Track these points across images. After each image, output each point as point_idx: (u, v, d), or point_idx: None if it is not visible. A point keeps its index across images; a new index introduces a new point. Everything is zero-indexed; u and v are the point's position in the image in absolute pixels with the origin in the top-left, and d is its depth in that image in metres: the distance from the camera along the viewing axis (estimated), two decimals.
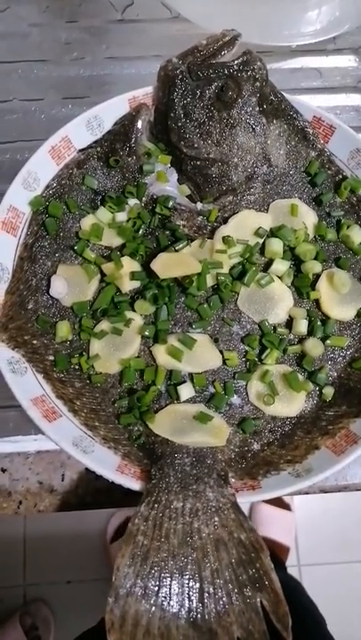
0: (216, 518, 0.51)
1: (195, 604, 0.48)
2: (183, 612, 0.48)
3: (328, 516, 1.75)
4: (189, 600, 0.48)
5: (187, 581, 0.48)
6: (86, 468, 0.62)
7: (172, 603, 0.48)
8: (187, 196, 0.65)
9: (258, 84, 0.61)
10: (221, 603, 0.48)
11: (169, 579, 0.48)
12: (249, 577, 0.48)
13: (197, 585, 0.48)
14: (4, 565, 1.68)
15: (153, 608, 0.47)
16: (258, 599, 0.47)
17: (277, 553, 1.63)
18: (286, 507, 1.72)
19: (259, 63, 0.61)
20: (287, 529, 1.70)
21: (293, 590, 1.30)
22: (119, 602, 0.47)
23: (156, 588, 0.48)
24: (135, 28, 0.79)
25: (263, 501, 1.70)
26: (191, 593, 0.48)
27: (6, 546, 1.68)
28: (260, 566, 0.49)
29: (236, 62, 0.61)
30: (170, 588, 0.48)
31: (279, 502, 1.71)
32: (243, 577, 0.48)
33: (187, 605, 0.48)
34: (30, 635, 1.56)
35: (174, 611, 0.48)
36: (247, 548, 0.49)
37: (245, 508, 1.72)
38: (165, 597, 0.48)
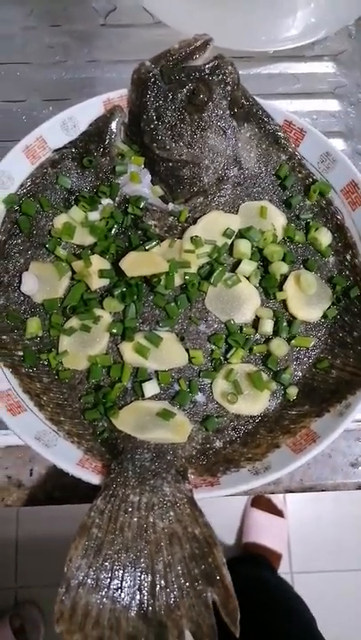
0: (171, 513, 0.52)
1: (146, 597, 0.48)
2: (134, 605, 0.48)
3: (321, 523, 1.75)
4: (141, 593, 0.48)
5: (139, 574, 0.49)
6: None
7: (123, 595, 0.48)
8: (160, 197, 0.66)
9: (228, 87, 0.62)
10: (172, 596, 0.48)
11: (121, 571, 0.49)
12: (201, 571, 0.49)
13: (149, 578, 0.49)
14: None
15: (104, 600, 0.48)
16: (208, 593, 0.48)
17: (269, 560, 1.62)
18: (279, 513, 1.72)
19: (230, 67, 0.62)
20: (280, 536, 1.70)
21: (283, 591, 1.30)
22: (70, 593, 0.47)
23: (108, 581, 0.48)
24: (117, 32, 0.80)
25: (256, 508, 1.70)
26: (143, 586, 0.49)
27: None
28: (213, 561, 0.49)
29: (207, 66, 0.62)
30: (122, 581, 0.49)
31: (272, 509, 1.71)
32: (195, 571, 0.49)
33: (138, 598, 0.48)
34: (20, 637, 1.56)
35: (125, 603, 0.48)
36: (200, 543, 0.50)
37: (236, 514, 1.73)
38: (117, 590, 0.48)
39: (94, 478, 0.54)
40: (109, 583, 0.48)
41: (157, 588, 0.48)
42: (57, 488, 0.64)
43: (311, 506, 1.77)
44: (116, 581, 0.48)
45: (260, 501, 1.72)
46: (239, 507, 1.76)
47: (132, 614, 0.48)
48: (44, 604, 1.65)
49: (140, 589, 0.48)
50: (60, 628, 0.46)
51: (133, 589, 0.48)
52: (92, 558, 0.49)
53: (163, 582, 0.49)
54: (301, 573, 1.71)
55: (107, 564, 0.49)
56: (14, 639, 1.56)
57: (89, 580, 0.48)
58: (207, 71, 0.62)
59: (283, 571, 1.69)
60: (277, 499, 1.73)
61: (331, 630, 1.06)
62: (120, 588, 0.48)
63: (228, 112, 0.63)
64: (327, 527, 1.75)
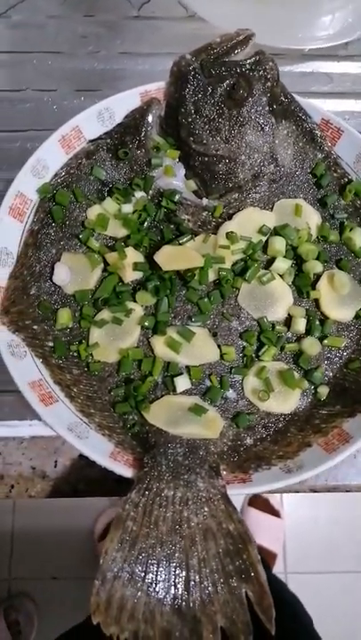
0: (206, 508, 0.52)
1: (180, 592, 0.48)
2: (168, 599, 0.48)
3: (318, 524, 1.75)
4: (175, 587, 0.48)
5: (173, 569, 0.49)
6: (79, 456, 0.63)
7: (157, 589, 0.48)
8: (193, 192, 0.66)
9: (269, 83, 0.62)
10: (207, 592, 0.48)
11: (156, 565, 0.49)
12: (235, 567, 0.49)
13: (184, 573, 0.49)
14: None
15: (139, 593, 0.48)
16: (243, 590, 0.48)
17: (264, 559, 1.63)
18: (276, 513, 1.72)
19: (271, 63, 0.62)
20: (276, 535, 1.70)
21: (279, 590, 1.30)
22: (106, 585, 0.47)
23: (143, 574, 0.48)
24: (150, 24, 0.79)
25: (253, 507, 1.71)
26: (177, 580, 0.48)
27: None
28: (247, 557, 0.49)
29: (248, 61, 0.62)
30: (156, 575, 0.48)
31: (269, 508, 1.71)
32: (229, 567, 0.49)
33: (172, 592, 0.48)
34: (12, 629, 1.55)
35: (160, 597, 0.48)
36: (235, 539, 0.50)
37: (237, 506, 1.72)
38: (151, 583, 0.48)
39: (127, 471, 0.54)
40: (144, 577, 0.48)
41: (192, 583, 0.48)
42: (80, 480, 0.63)
43: (307, 506, 1.78)
44: (150, 575, 0.48)
45: (258, 501, 1.73)
46: (236, 506, 1.76)
47: (167, 608, 0.48)
48: (38, 597, 1.65)
49: (174, 584, 0.48)
50: (96, 620, 0.46)
51: (168, 584, 0.48)
52: (128, 551, 0.49)
53: (197, 577, 0.48)
54: (296, 574, 1.72)
55: (141, 557, 0.49)
56: (7, 631, 1.55)
57: (124, 574, 0.48)
58: (248, 66, 0.62)
59: (277, 570, 1.70)
60: (274, 499, 1.74)
61: (324, 631, 1.06)
62: (155, 581, 0.48)
63: (267, 108, 0.63)
64: (324, 529, 1.75)
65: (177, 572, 0.49)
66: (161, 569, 0.49)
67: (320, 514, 1.76)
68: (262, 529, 1.69)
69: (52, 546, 1.67)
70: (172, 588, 0.48)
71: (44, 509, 1.69)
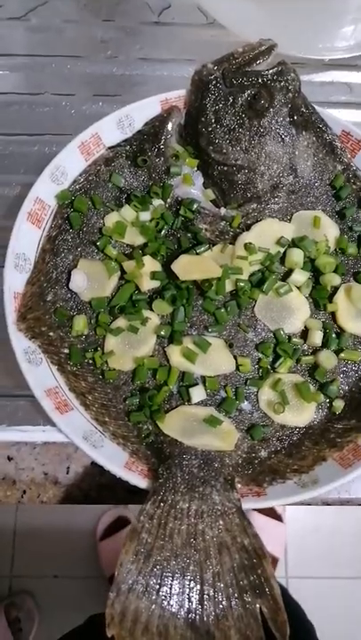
0: (221, 522, 0.52)
1: (194, 606, 0.48)
2: (182, 613, 0.48)
3: (320, 531, 1.75)
4: (189, 601, 0.48)
5: (188, 582, 0.49)
6: (92, 463, 0.63)
7: (172, 602, 0.48)
8: (211, 201, 0.65)
9: (290, 94, 0.62)
10: (221, 606, 0.48)
11: (170, 578, 0.49)
12: (250, 582, 0.49)
13: (198, 586, 0.49)
14: None
15: (153, 606, 0.48)
16: (257, 605, 0.48)
17: None
18: (278, 518, 1.72)
19: (293, 74, 0.62)
20: (277, 540, 1.70)
21: (283, 596, 1.30)
22: (120, 597, 0.47)
23: (158, 587, 0.48)
24: (170, 30, 0.79)
25: (256, 511, 1.71)
26: (191, 594, 0.48)
27: None
28: (262, 572, 0.49)
29: (270, 72, 0.62)
30: (171, 588, 0.48)
31: (271, 513, 1.71)
32: (243, 582, 0.49)
33: (186, 606, 0.48)
34: (13, 627, 1.56)
35: (174, 610, 0.48)
36: (250, 554, 0.50)
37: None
38: (166, 596, 0.48)
39: (142, 482, 0.54)
40: (158, 589, 0.48)
41: (206, 597, 0.48)
42: (93, 488, 0.63)
43: (310, 511, 1.77)
44: (165, 588, 0.48)
45: None
46: (251, 507, 1.75)
47: (181, 622, 0.48)
48: (39, 595, 1.65)
49: (188, 597, 0.48)
50: (110, 632, 0.46)
51: (182, 597, 0.48)
52: (142, 563, 0.49)
53: (211, 591, 0.48)
54: (296, 579, 1.72)
55: (156, 570, 0.49)
56: (8, 629, 1.55)
57: (139, 586, 0.48)
58: (270, 77, 0.62)
59: (278, 575, 1.69)
60: None
61: (324, 636, 1.06)
62: (169, 594, 0.48)
63: (287, 119, 0.62)
64: (326, 535, 1.75)
65: (191, 585, 0.49)
66: (175, 582, 0.49)
67: (322, 518, 1.76)
68: (265, 533, 1.69)
69: (54, 544, 1.67)
70: (187, 601, 0.48)
71: (46, 508, 1.69)
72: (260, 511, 1.71)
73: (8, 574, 1.68)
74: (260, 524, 1.70)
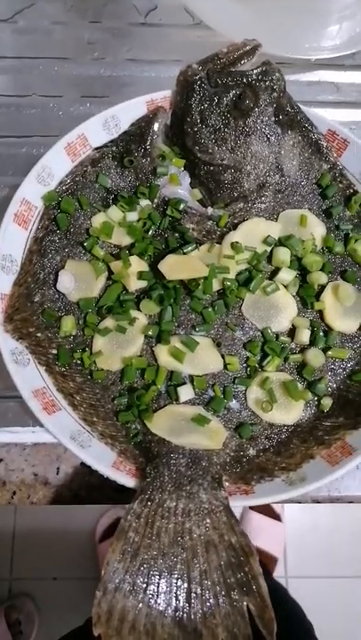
0: (208, 520, 0.52)
1: (182, 604, 0.48)
2: (170, 611, 0.48)
3: (319, 530, 1.75)
4: (176, 599, 0.48)
5: (175, 580, 0.49)
6: (81, 463, 0.63)
7: (159, 601, 0.48)
8: (198, 201, 0.66)
9: (275, 94, 0.62)
10: (208, 604, 0.48)
11: (157, 577, 0.49)
12: (237, 580, 0.49)
13: (185, 585, 0.49)
14: None
15: (140, 605, 0.48)
16: (244, 603, 0.48)
17: (265, 563, 1.63)
18: (277, 517, 1.72)
19: (277, 74, 0.62)
20: (276, 540, 1.70)
21: (282, 596, 1.30)
22: (107, 596, 0.47)
23: (145, 585, 0.48)
24: (157, 32, 0.79)
25: (255, 511, 1.70)
26: (179, 592, 0.48)
27: None
28: (249, 570, 0.49)
29: (255, 72, 0.62)
30: (158, 586, 0.48)
31: (270, 513, 1.71)
32: (231, 580, 0.49)
33: (173, 604, 0.48)
34: (13, 629, 1.56)
35: (161, 609, 0.48)
36: (237, 552, 0.50)
37: (237, 515, 1.72)
38: (153, 595, 0.48)
39: (129, 481, 0.54)
40: (145, 588, 0.48)
41: (193, 595, 0.48)
42: (82, 488, 0.63)
43: (308, 511, 1.77)
44: (152, 587, 0.48)
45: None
46: (237, 509, 1.76)
47: (168, 620, 0.48)
48: (39, 597, 1.65)
49: (175, 595, 0.48)
50: (97, 631, 0.46)
51: (169, 595, 0.48)
52: (129, 562, 0.49)
53: (199, 589, 0.48)
54: (296, 578, 1.72)
55: (143, 568, 0.49)
56: (8, 631, 1.55)
57: (126, 585, 0.48)
58: (255, 77, 0.62)
59: (278, 574, 1.69)
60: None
61: (323, 636, 1.06)
62: (156, 593, 0.48)
63: (273, 119, 0.63)
64: (325, 534, 1.75)
65: (178, 583, 0.49)
66: (162, 580, 0.49)
67: (321, 518, 1.76)
68: (264, 533, 1.69)
69: (53, 546, 1.67)
70: (174, 599, 0.48)
71: (45, 510, 1.69)
72: (259, 511, 1.71)
73: (8, 577, 1.68)
74: (260, 523, 1.69)
